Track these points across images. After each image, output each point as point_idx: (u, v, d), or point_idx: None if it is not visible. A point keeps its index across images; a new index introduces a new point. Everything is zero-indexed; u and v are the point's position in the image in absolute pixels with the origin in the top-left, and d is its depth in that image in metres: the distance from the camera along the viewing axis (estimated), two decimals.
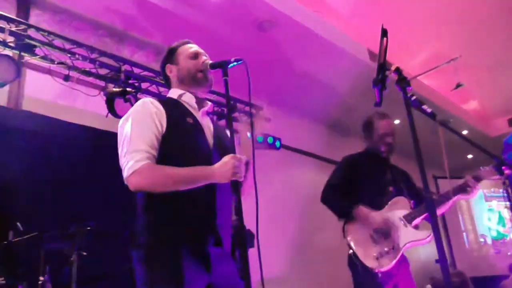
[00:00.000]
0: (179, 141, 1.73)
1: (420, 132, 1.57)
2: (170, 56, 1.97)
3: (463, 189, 2.72)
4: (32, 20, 3.96)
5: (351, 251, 2.66)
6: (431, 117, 1.75)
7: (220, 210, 1.74)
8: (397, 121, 7.63)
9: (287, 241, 5.80)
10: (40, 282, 3.04)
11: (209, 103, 1.97)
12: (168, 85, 2.01)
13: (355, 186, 2.83)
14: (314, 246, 6.25)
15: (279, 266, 5.49)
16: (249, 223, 1.61)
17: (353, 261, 2.64)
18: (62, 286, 3.13)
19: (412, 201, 2.84)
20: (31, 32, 3.72)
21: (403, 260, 2.70)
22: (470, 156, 9.08)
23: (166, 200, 1.65)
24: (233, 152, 1.64)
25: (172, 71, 1.95)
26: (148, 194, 1.69)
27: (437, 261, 1.27)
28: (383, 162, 2.97)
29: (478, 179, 2.73)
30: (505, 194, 2.40)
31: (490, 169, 2.70)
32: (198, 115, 1.88)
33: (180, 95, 1.89)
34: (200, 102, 1.92)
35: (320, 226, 6.22)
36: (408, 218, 2.72)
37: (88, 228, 3.04)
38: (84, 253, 3.20)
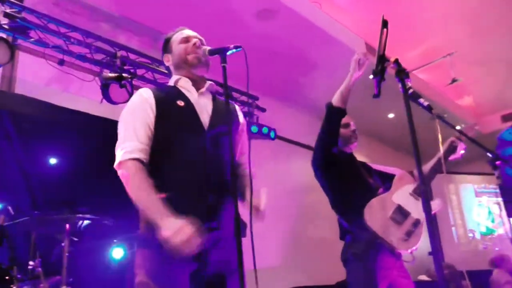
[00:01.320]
0: (169, 124, 1.76)
1: (414, 126, 1.56)
2: (166, 45, 2.01)
3: (451, 149, 2.80)
4: (27, 2, 3.89)
5: (378, 240, 2.52)
6: (428, 111, 1.74)
7: (215, 193, 1.72)
8: (391, 115, 7.69)
9: (281, 231, 5.82)
10: (30, 267, 3.03)
11: (209, 82, 1.96)
12: (169, 74, 2.04)
13: (343, 185, 2.80)
14: (308, 237, 6.29)
15: (272, 256, 5.53)
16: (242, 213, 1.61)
17: (352, 259, 2.59)
18: (53, 271, 3.13)
19: (414, 172, 2.84)
20: (25, 14, 3.67)
21: (399, 255, 2.66)
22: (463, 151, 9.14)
23: (158, 186, 1.64)
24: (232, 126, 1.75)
25: (168, 60, 1.99)
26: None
27: (430, 253, 1.28)
28: (352, 159, 2.97)
29: (460, 137, 2.82)
30: (496, 190, 2.42)
31: (469, 126, 2.87)
32: (196, 97, 1.87)
33: (176, 81, 1.91)
34: (198, 83, 1.92)
35: (314, 217, 6.26)
36: (417, 192, 2.72)
37: (80, 214, 3.02)
38: (76, 239, 3.19)
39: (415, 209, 2.64)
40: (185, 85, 1.90)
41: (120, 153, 1.68)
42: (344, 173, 2.82)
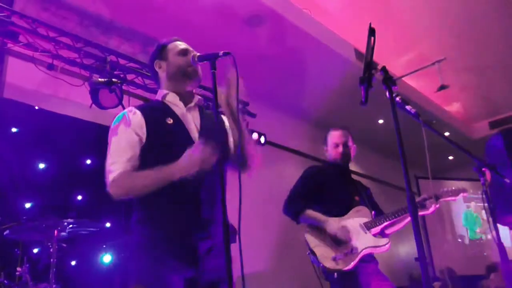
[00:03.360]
0: (160, 143, 1.78)
1: (402, 132, 1.58)
2: (160, 52, 1.99)
3: (422, 205, 2.88)
4: (17, 7, 3.87)
5: (308, 251, 2.85)
6: (415, 118, 1.77)
7: (207, 203, 1.75)
8: (381, 121, 7.74)
9: (271, 237, 5.82)
10: (18, 273, 3.01)
11: (198, 96, 1.98)
12: (156, 81, 2.03)
13: (320, 196, 2.99)
14: (298, 242, 6.27)
15: (263, 262, 5.51)
16: (232, 218, 1.61)
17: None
18: (41, 278, 3.10)
19: (373, 212, 2.99)
20: (15, 18, 3.65)
21: (370, 261, 2.84)
22: (451, 157, 9.22)
23: (152, 198, 1.70)
24: (224, 139, 1.75)
25: (161, 67, 1.96)
26: (135, 201, 1.79)
27: (416, 259, 1.29)
28: (345, 173, 3.17)
29: (437, 198, 2.90)
30: (484, 196, 2.44)
31: (452, 190, 2.93)
32: (183, 111, 1.89)
33: (164, 96, 1.92)
34: (186, 98, 1.93)
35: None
36: (368, 225, 2.86)
37: (69, 220, 3.00)
38: (64, 245, 3.17)
39: (359, 240, 2.79)
40: (173, 100, 1.91)
41: (108, 175, 1.71)
42: (327, 185, 3.02)
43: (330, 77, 6.08)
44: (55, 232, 2.98)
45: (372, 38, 1.55)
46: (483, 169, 2.34)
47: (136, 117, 1.79)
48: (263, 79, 5.79)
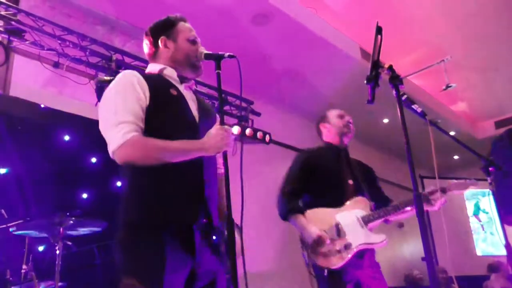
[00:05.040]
0: (164, 112, 1.70)
1: (408, 131, 1.58)
2: (167, 28, 1.91)
3: (427, 200, 2.67)
4: (23, 5, 3.89)
5: (300, 245, 2.68)
6: (422, 117, 1.76)
7: (208, 182, 1.73)
8: (386, 120, 7.72)
9: (274, 235, 5.81)
10: (23, 271, 3.02)
11: (191, 80, 1.93)
12: (151, 54, 1.93)
13: (313, 180, 2.80)
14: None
15: (266, 260, 5.52)
16: (236, 217, 1.61)
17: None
18: (46, 275, 3.11)
19: (372, 203, 2.81)
20: (21, 16, 3.66)
21: (369, 258, 2.68)
22: (456, 157, 9.18)
23: (154, 175, 1.62)
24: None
25: (167, 46, 1.87)
26: (135, 171, 1.65)
27: (423, 259, 1.28)
28: (341, 155, 2.94)
29: (445, 191, 2.73)
30: (489, 195, 2.41)
31: (460, 182, 2.72)
32: (181, 88, 1.84)
33: (161, 69, 1.84)
34: (182, 77, 1.88)
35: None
36: (365, 220, 2.69)
37: (74, 218, 3.00)
38: (69, 243, 3.18)
39: (354, 234, 2.62)
40: (171, 75, 1.84)
41: (118, 135, 1.57)
42: (319, 169, 2.83)
43: (335, 76, 6.06)
44: (61, 230, 2.98)
45: (379, 36, 1.54)
46: (490, 168, 2.31)
47: (140, 79, 1.69)
48: (268, 78, 5.79)
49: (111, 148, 1.60)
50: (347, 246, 2.57)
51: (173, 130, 1.67)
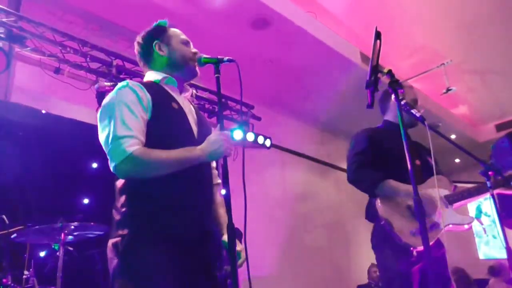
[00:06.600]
0: (166, 127, 1.68)
1: (409, 134, 1.58)
2: (160, 34, 1.89)
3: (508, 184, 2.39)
4: (23, 11, 3.91)
5: (383, 222, 2.35)
6: (421, 121, 1.76)
7: (205, 191, 1.76)
8: None
9: (276, 240, 5.81)
10: (24, 276, 3.02)
11: (189, 88, 1.93)
12: (148, 61, 1.90)
13: (381, 160, 2.53)
14: (303, 245, 6.28)
15: (269, 265, 5.51)
16: (238, 221, 1.61)
17: (381, 241, 2.40)
18: (47, 281, 3.11)
19: (453, 184, 2.60)
20: (22, 23, 3.68)
21: (439, 244, 2.46)
22: (457, 160, 9.18)
23: (152, 186, 1.61)
24: None
25: (162, 50, 1.85)
26: (134, 180, 1.63)
27: None
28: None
29: None
30: (491, 199, 2.38)
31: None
32: (180, 99, 1.83)
33: (163, 79, 1.82)
34: (181, 87, 1.88)
35: (309, 225, 6.25)
36: (450, 199, 2.47)
37: (75, 223, 3.01)
38: (71, 248, 3.18)
39: (442, 214, 2.40)
40: (172, 86, 1.83)
41: (120, 149, 1.54)
42: (385, 148, 2.56)
43: (335, 80, 6.08)
44: (62, 235, 2.98)
45: (378, 41, 1.55)
46: (489, 172, 2.30)
47: (142, 91, 1.67)
48: (269, 82, 5.80)
49: (112, 162, 1.57)
50: (434, 225, 2.36)
51: (172, 144, 1.64)
